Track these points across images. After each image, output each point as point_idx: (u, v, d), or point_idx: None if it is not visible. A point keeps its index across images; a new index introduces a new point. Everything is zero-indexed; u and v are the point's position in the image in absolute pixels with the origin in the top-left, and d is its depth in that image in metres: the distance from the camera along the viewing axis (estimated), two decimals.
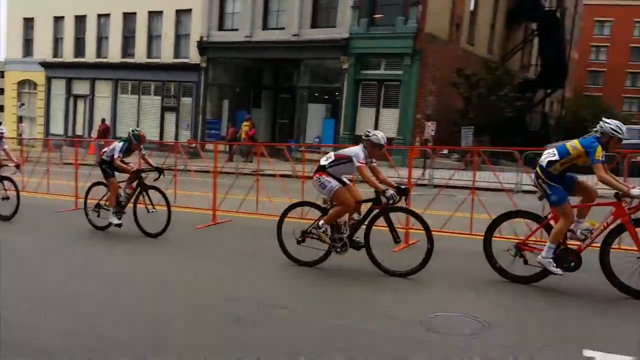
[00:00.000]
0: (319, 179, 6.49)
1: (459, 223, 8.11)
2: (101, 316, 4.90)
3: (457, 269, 6.74)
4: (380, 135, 6.43)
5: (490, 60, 26.27)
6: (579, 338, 4.48)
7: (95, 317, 4.86)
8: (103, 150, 8.88)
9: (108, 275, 6.32)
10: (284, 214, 6.91)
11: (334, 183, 6.42)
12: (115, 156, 8.35)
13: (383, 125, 22.79)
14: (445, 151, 20.46)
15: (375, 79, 22.88)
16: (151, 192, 8.38)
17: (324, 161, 6.58)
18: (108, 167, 8.55)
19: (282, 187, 9.50)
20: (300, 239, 6.68)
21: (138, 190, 8.46)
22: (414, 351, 4.23)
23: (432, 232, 6.16)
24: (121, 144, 8.52)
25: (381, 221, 6.42)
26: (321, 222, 6.53)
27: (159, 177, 8.45)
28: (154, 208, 8.30)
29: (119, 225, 8.51)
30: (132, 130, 8.62)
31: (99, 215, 8.79)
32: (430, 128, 20.49)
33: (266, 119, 27.02)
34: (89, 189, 9.01)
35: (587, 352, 4.18)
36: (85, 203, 9.03)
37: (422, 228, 6.21)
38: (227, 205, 9.72)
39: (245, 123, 23.68)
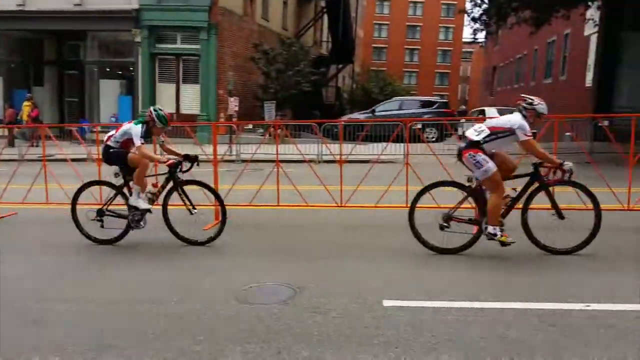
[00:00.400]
0: (474, 156, 5.68)
1: (267, 195, 8.28)
2: None
3: (270, 240, 6.96)
4: (544, 104, 5.76)
5: (285, 36, 27.12)
6: (380, 291, 4.92)
7: None
8: (109, 134, 6.76)
9: None
10: (416, 200, 6.07)
11: (492, 164, 5.67)
12: (138, 143, 6.34)
13: (184, 101, 22.22)
14: (250, 126, 20.75)
15: (172, 53, 22.08)
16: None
17: (475, 136, 5.76)
18: (117, 150, 6.61)
19: (76, 171, 8.69)
20: (445, 224, 5.96)
21: (170, 187, 6.67)
22: (224, 325, 4.26)
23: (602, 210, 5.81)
24: (138, 126, 6.41)
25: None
26: (490, 228, 5.77)
27: (190, 167, 6.64)
28: (195, 209, 6.60)
29: (148, 211, 6.65)
30: (155, 110, 6.53)
31: (102, 226, 6.73)
32: (233, 103, 20.54)
33: (51, 97, 24.32)
34: (79, 191, 6.92)
35: (386, 302, 4.64)
36: (74, 210, 6.84)
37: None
38: (10, 196, 8.62)
39: (26, 103, 21.16)
